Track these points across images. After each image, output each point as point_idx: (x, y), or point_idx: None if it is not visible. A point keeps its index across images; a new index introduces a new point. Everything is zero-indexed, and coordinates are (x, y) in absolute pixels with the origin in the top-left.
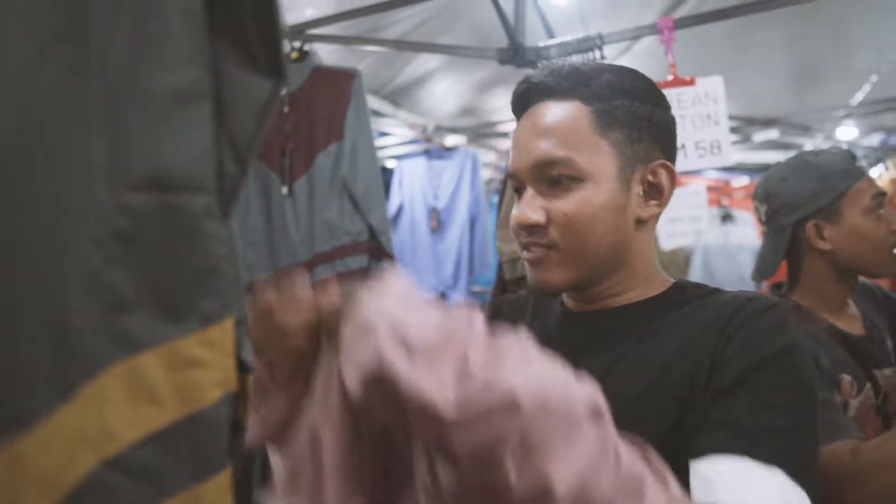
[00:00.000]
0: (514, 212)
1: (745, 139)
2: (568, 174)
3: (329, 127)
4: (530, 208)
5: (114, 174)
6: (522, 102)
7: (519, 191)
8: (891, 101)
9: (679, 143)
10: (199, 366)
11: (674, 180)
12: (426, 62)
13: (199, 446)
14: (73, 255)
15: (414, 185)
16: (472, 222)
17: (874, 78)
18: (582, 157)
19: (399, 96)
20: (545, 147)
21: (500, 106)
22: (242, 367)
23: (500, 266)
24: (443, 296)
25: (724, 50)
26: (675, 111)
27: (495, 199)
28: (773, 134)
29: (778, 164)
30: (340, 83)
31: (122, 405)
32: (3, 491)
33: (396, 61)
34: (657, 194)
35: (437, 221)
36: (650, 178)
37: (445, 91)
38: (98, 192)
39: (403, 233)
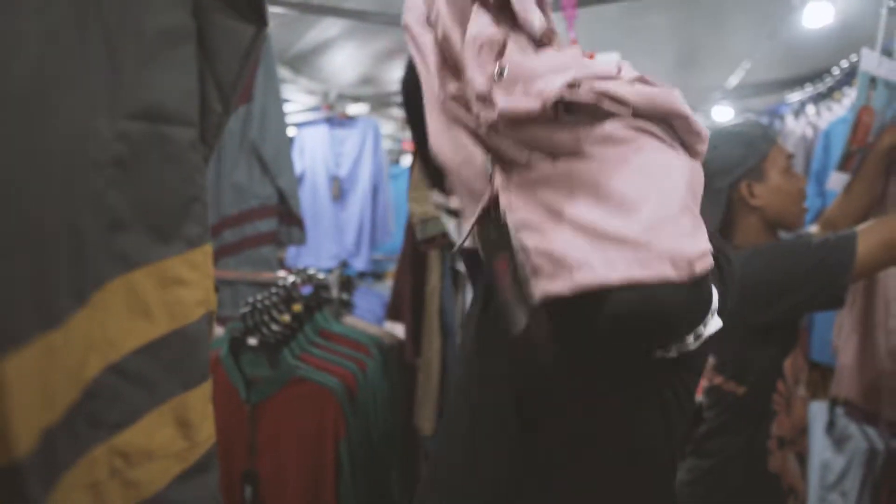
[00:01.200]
0: None
1: None
2: None
3: None
4: None
5: (112, 105)
6: None
7: None
8: (760, 86)
9: None
10: (184, 285)
11: None
12: (328, 28)
13: (186, 358)
14: (81, 177)
15: (315, 153)
16: (374, 191)
17: (747, 64)
18: None
19: (300, 62)
20: None
21: (397, 77)
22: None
23: (409, 227)
24: (344, 264)
25: (617, 32)
26: None
27: (395, 168)
28: None
29: None
30: None
31: (121, 317)
32: (40, 376)
33: (298, 25)
34: None
35: (339, 190)
36: None
37: (347, 59)
38: (100, 120)
39: (305, 200)
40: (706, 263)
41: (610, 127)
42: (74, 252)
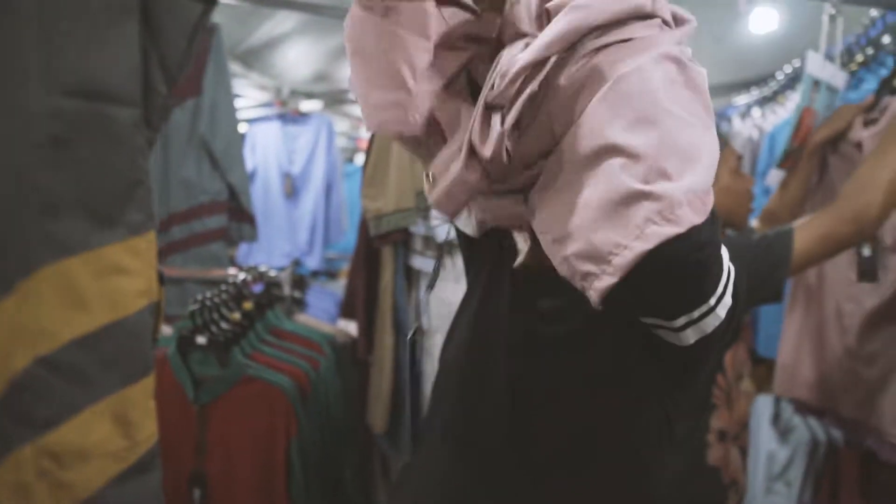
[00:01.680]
0: None
1: None
2: None
3: (186, 80)
4: None
5: (46, 79)
6: None
7: None
8: (708, 89)
9: None
10: (125, 274)
11: None
12: (282, 23)
13: (126, 352)
14: (8, 155)
15: (267, 150)
16: (328, 189)
17: None
18: None
19: (251, 57)
20: None
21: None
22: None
23: (363, 224)
24: (297, 262)
25: None
26: None
27: (350, 167)
28: None
29: None
30: None
31: (53, 306)
32: None
33: (251, 19)
34: None
35: (292, 187)
36: None
37: (300, 55)
38: (31, 94)
39: (257, 198)
40: (711, 195)
41: (568, 77)
42: None
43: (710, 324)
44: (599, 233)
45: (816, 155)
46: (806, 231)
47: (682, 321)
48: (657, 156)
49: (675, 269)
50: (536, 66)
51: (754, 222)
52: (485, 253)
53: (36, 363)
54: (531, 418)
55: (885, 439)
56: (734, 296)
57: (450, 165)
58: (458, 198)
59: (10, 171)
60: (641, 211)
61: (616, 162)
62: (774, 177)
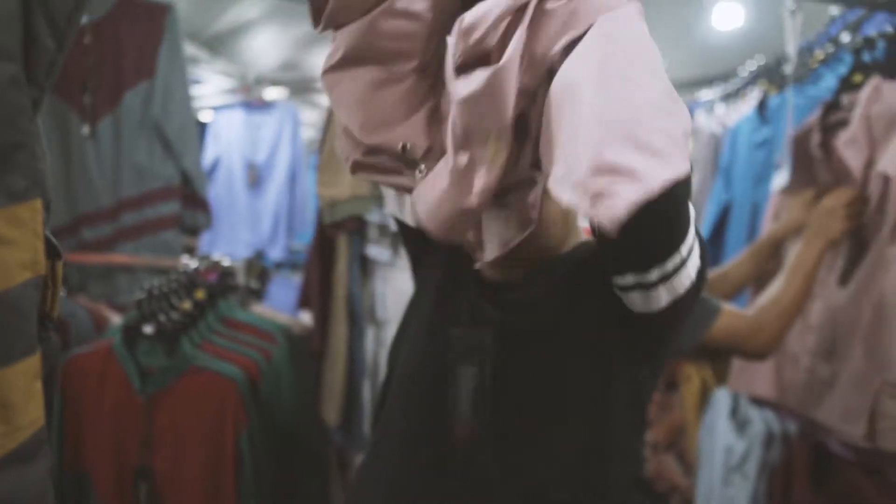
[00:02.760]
0: None
1: None
2: None
3: (138, 64)
4: None
5: None
6: None
7: None
8: (673, 84)
9: None
10: (4, 244)
11: None
12: (247, 10)
13: (4, 329)
14: None
15: (231, 139)
16: (292, 179)
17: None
18: None
19: (217, 43)
20: None
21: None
22: (52, 253)
23: (319, 212)
24: (260, 254)
25: None
26: None
27: (316, 158)
28: None
29: None
30: (152, 17)
31: None
32: None
33: (214, 5)
34: None
35: (255, 177)
36: None
37: (267, 42)
38: None
39: (219, 187)
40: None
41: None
42: None
43: (682, 283)
44: (616, 150)
45: (774, 245)
46: (727, 321)
47: (655, 274)
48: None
49: (664, 205)
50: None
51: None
52: (436, 246)
53: None
54: (501, 413)
55: (834, 435)
56: (701, 259)
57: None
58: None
59: None
60: (656, 137)
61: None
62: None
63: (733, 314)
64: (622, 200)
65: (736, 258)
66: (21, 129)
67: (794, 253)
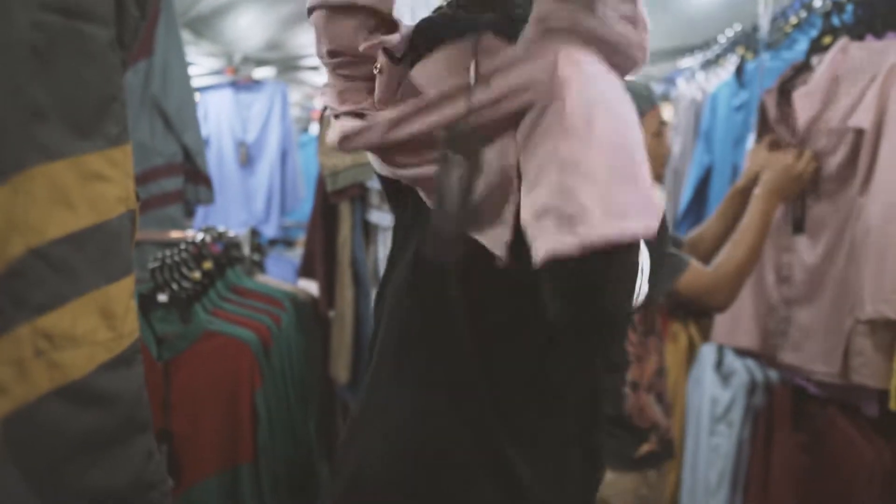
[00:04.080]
0: None
1: None
2: None
3: (136, 42)
4: None
5: None
6: None
7: None
8: (655, 54)
9: None
10: (105, 180)
11: None
12: None
13: (109, 252)
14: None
15: (220, 118)
16: (283, 156)
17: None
18: None
19: (201, 25)
20: None
21: (307, 42)
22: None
23: (320, 182)
24: (254, 232)
25: None
26: None
27: (304, 136)
28: None
29: None
30: None
31: (42, 204)
32: None
33: None
34: None
35: (247, 156)
36: None
37: (251, 22)
38: (14, 5)
39: (211, 167)
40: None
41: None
42: None
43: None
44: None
45: (737, 197)
46: (692, 277)
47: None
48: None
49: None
50: None
51: (686, 236)
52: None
53: (29, 254)
54: (491, 353)
55: (812, 377)
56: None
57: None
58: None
59: (3, 77)
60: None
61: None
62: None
63: (696, 271)
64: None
65: (705, 223)
66: (116, 84)
67: (748, 208)
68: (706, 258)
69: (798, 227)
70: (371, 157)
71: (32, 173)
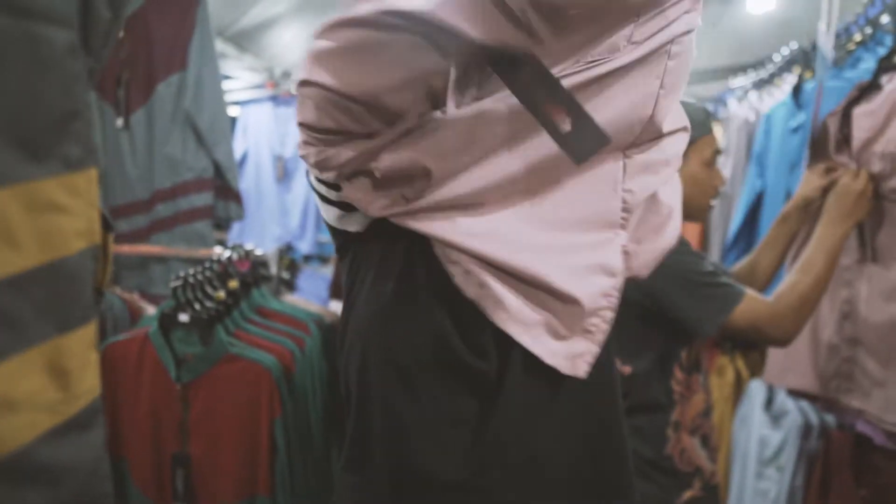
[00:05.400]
0: None
1: None
2: None
3: (170, 55)
4: None
5: None
6: None
7: None
8: (706, 73)
9: None
10: (61, 212)
11: None
12: (274, 5)
13: (62, 296)
14: None
15: (260, 133)
16: None
17: (693, 52)
18: None
19: (244, 39)
20: None
21: None
22: (103, 226)
23: None
24: (289, 247)
25: None
26: None
27: None
28: None
29: None
30: (183, 8)
31: None
32: None
33: (241, 1)
34: None
35: (284, 170)
36: None
37: (294, 37)
38: None
39: (248, 181)
40: None
41: None
42: None
43: None
44: None
45: (785, 225)
46: (749, 305)
47: None
48: None
49: None
50: None
51: (734, 268)
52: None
53: None
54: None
55: (880, 426)
56: None
57: None
58: None
59: None
60: None
61: None
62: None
63: (754, 300)
64: None
65: (753, 253)
66: (77, 98)
67: (814, 235)
68: (759, 290)
69: (869, 255)
70: (324, 210)
71: None
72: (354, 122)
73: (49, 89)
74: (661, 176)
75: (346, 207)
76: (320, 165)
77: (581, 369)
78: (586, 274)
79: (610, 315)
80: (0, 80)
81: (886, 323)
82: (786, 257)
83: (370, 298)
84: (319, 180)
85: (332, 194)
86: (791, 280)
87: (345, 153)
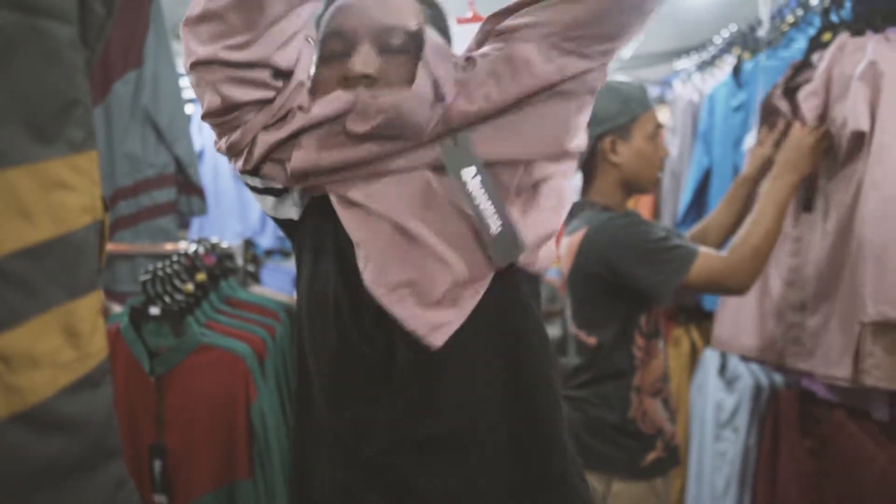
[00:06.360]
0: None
1: None
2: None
3: (126, 53)
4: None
5: None
6: None
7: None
8: (652, 56)
9: None
10: (68, 189)
11: None
12: None
13: (72, 266)
14: None
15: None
16: None
17: (640, 37)
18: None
19: None
20: (397, 18)
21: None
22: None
23: None
24: (249, 242)
25: None
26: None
27: None
28: None
29: None
30: (135, 6)
31: None
32: None
33: None
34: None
35: None
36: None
37: None
38: None
39: (207, 178)
40: None
41: None
42: None
43: None
44: None
45: (745, 186)
46: (705, 262)
47: None
48: None
49: None
50: None
51: (687, 232)
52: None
53: None
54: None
55: (822, 381)
56: None
57: None
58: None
59: None
60: None
61: None
62: (750, 140)
63: (708, 256)
64: None
65: (713, 212)
66: (78, 87)
67: (764, 188)
68: (715, 247)
69: (807, 206)
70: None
71: None
72: (253, 89)
73: (55, 79)
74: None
75: (276, 193)
76: (231, 150)
77: (439, 340)
78: (465, 246)
79: (482, 289)
80: (13, 70)
81: (826, 285)
82: (743, 217)
83: (311, 278)
84: (243, 172)
85: (256, 182)
86: (743, 232)
87: (246, 132)
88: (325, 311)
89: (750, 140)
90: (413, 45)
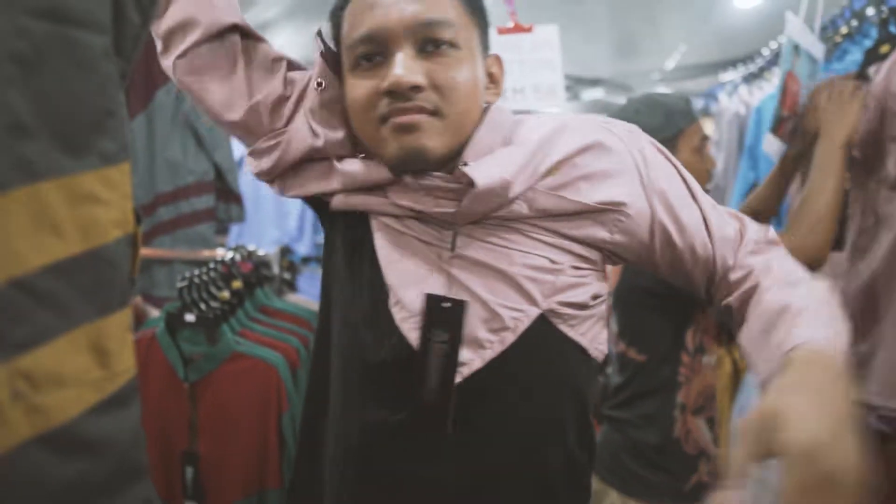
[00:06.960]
0: (396, 71)
1: (575, 97)
2: (450, 40)
3: None
4: (411, 69)
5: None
6: None
7: (373, 56)
8: (695, 68)
9: (519, 85)
10: (99, 203)
11: (503, 72)
12: (267, 9)
13: (102, 282)
14: None
15: None
16: None
17: (683, 47)
18: (461, 28)
19: None
20: (428, 8)
21: None
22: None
23: None
24: (287, 249)
25: (556, 18)
26: (515, 56)
27: None
28: (598, 93)
29: (631, 99)
30: None
31: (27, 230)
32: None
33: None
34: (495, 84)
35: None
36: (492, 68)
37: (286, 41)
38: None
39: (245, 185)
40: None
41: None
42: None
43: None
44: None
45: (789, 165)
46: None
47: None
48: None
49: None
50: None
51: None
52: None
53: (10, 285)
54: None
55: (872, 411)
56: None
57: None
58: None
59: None
60: None
61: None
62: (769, 143)
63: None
64: None
65: (759, 189)
66: (111, 98)
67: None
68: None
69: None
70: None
71: (15, 195)
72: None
73: (87, 90)
74: None
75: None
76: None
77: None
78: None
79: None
80: (45, 81)
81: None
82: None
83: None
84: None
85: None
86: (803, 204)
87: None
88: (373, 315)
89: (768, 143)
90: (461, 37)
